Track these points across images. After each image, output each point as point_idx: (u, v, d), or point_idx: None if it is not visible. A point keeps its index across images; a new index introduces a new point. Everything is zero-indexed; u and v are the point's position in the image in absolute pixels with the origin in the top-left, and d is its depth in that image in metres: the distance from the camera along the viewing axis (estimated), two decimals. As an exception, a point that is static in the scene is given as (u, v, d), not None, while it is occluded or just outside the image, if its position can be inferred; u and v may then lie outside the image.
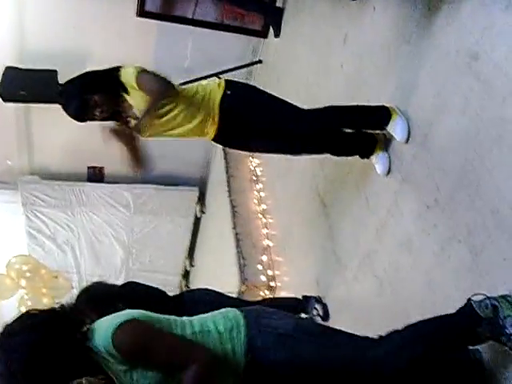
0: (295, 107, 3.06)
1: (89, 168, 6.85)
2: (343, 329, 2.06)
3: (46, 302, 6.28)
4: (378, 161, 3.12)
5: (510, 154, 2.18)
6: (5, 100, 5.34)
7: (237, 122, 3.04)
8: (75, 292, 3.77)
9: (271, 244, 4.98)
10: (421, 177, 2.77)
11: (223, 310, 2.05)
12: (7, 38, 5.54)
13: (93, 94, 2.99)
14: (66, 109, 3.09)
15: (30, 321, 1.88)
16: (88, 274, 7.30)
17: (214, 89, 3.03)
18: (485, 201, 2.29)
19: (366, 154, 3.16)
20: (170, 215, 7.35)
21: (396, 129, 2.96)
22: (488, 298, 2.01)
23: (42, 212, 7.04)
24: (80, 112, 3.06)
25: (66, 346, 1.82)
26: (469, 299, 2.03)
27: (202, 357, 1.79)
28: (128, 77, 2.98)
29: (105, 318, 1.91)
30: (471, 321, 1.98)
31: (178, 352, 1.81)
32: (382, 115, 3.02)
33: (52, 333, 1.83)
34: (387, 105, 3.02)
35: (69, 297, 6.40)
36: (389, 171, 3.06)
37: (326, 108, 3.10)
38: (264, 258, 4.92)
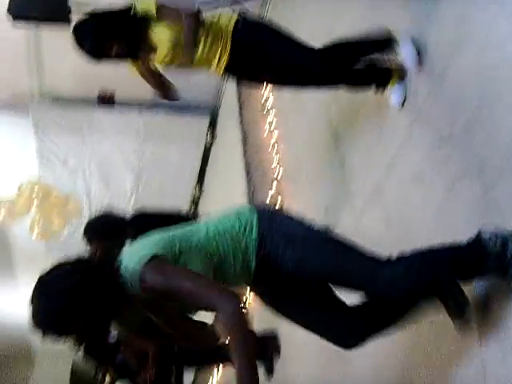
0: (306, 46, 3.02)
1: (100, 93, 6.79)
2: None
3: (56, 225, 6.39)
4: (392, 92, 3.08)
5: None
6: (14, 18, 5.22)
7: (247, 55, 3.01)
8: (85, 215, 3.84)
9: (281, 172, 4.99)
10: (436, 111, 2.73)
11: (237, 207, 2.11)
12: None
13: (110, 41, 2.94)
14: (81, 48, 3.04)
15: (64, 270, 1.91)
16: (98, 198, 7.38)
17: (227, 21, 2.97)
18: (499, 138, 2.25)
19: (380, 84, 3.10)
20: (180, 142, 7.34)
21: (405, 56, 2.96)
22: (497, 233, 2.00)
23: (52, 136, 7.05)
24: (95, 54, 3.02)
25: (101, 285, 1.86)
26: (479, 232, 2.03)
27: (228, 305, 1.77)
28: (147, 8, 2.92)
29: (128, 253, 1.94)
30: (479, 254, 1.98)
31: (204, 297, 1.81)
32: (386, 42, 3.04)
33: (88, 276, 1.87)
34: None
35: (79, 221, 6.55)
36: (403, 104, 3.02)
37: (335, 45, 3.06)
38: (273, 186, 4.94)
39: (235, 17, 2.99)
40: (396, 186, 3.02)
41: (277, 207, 4.67)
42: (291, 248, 1.97)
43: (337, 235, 2.08)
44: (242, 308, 1.81)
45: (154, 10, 2.92)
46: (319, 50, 3.02)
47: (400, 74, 3.04)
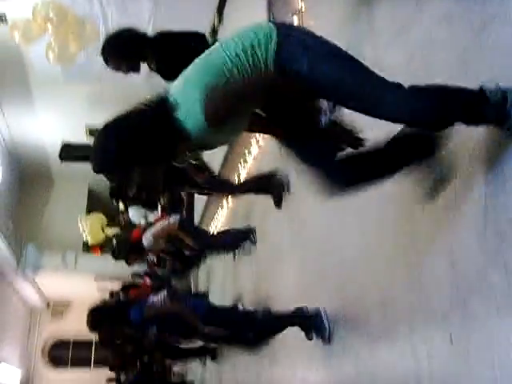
0: None
1: None
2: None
3: (72, 49, 6.30)
4: None
5: None
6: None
7: None
8: (102, 40, 3.75)
9: (304, 4, 4.81)
10: None
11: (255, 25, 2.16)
12: None
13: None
14: None
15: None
16: (114, 23, 7.20)
17: None
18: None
19: None
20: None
21: None
22: (500, 87, 2.09)
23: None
24: None
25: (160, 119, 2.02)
26: (481, 86, 2.12)
27: None
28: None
29: (178, 88, 2.08)
30: (479, 100, 2.09)
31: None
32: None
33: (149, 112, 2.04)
34: None
35: (96, 46, 6.42)
36: None
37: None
38: (295, 18, 4.79)
39: None
40: (423, 25, 2.91)
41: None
42: (306, 55, 2.04)
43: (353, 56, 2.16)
44: None
45: None
46: None
47: None
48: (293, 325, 4.04)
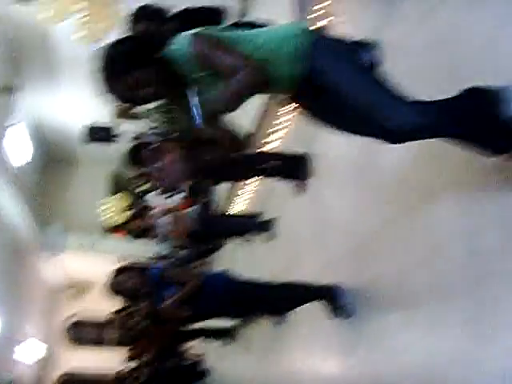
0: None
1: None
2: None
3: (104, 27, 6.31)
4: None
5: None
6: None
7: None
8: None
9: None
10: None
11: (292, 26, 2.47)
12: None
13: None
14: None
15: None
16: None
17: None
18: None
19: None
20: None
21: None
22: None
23: None
24: None
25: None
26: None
27: (249, 67, 2.22)
28: None
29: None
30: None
31: (235, 58, 2.24)
32: None
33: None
34: None
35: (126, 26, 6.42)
36: None
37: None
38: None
39: None
40: (448, 9, 2.90)
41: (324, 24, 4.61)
42: (331, 62, 2.26)
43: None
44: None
45: None
46: None
47: None
48: (318, 298, 4.06)
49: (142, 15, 3.49)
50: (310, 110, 2.48)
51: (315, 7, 4.81)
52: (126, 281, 4.48)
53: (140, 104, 2.57)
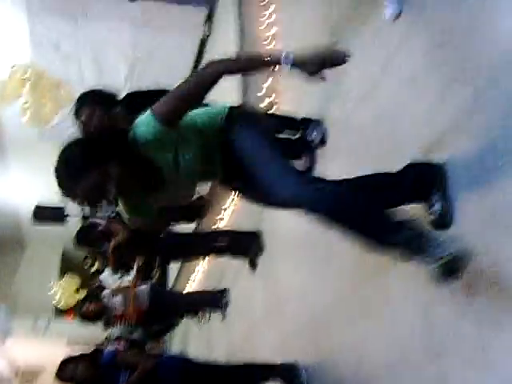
0: None
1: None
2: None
3: (48, 110, 6.35)
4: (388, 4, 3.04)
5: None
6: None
7: None
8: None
9: (276, 67, 4.93)
10: (434, 16, 2.68)
11: (219, 106, 2.49)
12: None
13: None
14: None
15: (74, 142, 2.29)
16: (90, 86, 7.28)
17: None
18: (496, 46, 2.23)
19: None
20: (176, 33, 7.19)
21: None
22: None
23: (46, 20, 6.86)
24: None
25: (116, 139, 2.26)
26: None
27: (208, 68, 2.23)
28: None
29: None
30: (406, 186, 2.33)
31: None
32: None
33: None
34: None
35: (71, 107, 6.47)
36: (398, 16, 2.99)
37: None
38: (268, 81, 4.91)
39: None
40: (389, 86, 3.01)
41: (264, 105, 4.74)
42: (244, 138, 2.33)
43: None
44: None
45: None
46: None
47: None
48: (275, 376, 3.97)
49: (88, 100, 3.49)
50: (238, 191, 2.59)
51: (261, 84, 4.94)
52: (75, 371, 4.29)
53: (103, 200, 2.30)
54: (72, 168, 2.16)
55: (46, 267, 15.04)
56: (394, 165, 2.40)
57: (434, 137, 2.52)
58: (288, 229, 4.33)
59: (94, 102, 3.42)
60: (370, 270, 2.98)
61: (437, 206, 2.29)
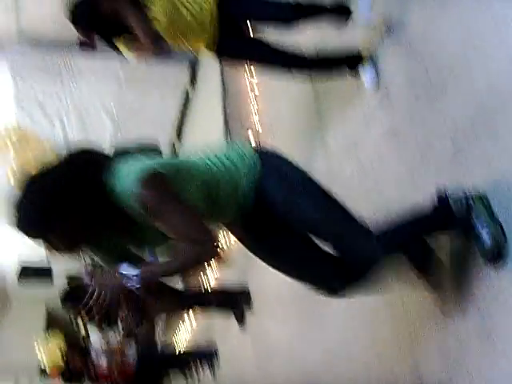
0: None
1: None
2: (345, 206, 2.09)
3: (33, 170, 6.34)
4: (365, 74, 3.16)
5: (501, 51, 2.17)
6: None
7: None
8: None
9: (260, 124, 5.01)
10: (413, 70, 2.76)
11: (235, 147, 2.12)
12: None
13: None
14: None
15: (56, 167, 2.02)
16: (75, 144, 7.29)
17: None
18: (473, 100, 2.29)
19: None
20: (160, 90, 7.28)
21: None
22: (465, 197, 2.09)
23: (30, 81, 6.91)
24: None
25: (89, 182, 1.93)
26: (445, 195, 2.15)
27: (208, 245, 1.86)
28: None
29: (124, 164, 1.93)
30: (446, 220, 2.11)
31: (190, 229, 1.85)
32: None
33: (78, 172, 1.99)
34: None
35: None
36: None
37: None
38: (251, 136, 4.97)
39: None
40: (371, 142, 3.06)
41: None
42: (287, 191, 2.01)
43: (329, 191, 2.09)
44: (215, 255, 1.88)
45: None
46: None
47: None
48: None
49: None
50: (248, 241, 2.21)
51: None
52: None
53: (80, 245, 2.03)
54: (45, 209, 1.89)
55: (30, 327, 14.73)
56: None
57: (417, 194, 2.55)
58: (278, 284, 4.30)
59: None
60: (358, 329, 2.97)
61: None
